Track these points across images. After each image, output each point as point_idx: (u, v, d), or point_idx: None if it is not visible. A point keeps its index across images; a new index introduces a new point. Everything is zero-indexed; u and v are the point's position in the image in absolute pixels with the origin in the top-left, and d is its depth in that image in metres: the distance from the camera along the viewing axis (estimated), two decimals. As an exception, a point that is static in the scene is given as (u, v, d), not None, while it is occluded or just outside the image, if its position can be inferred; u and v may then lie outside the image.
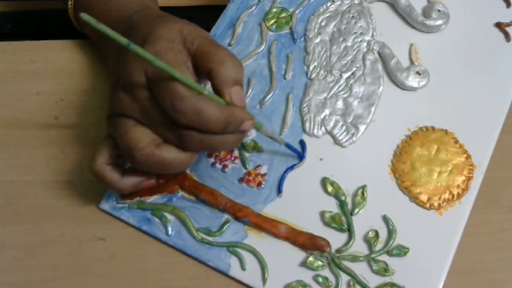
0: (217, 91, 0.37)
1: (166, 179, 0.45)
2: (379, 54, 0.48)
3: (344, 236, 0.43)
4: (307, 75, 0.48)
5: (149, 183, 0.42)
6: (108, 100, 0.39)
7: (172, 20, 0.39)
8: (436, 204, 0.43)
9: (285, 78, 0.48)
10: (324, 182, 0.44)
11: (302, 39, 0.49)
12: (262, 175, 0.45)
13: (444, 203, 0.43)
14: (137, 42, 0.35)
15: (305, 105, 0.47)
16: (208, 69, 0.37)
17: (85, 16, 0.31)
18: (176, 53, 0.37)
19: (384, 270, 0.41)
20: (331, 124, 0.46)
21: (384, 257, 0.42)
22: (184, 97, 0.35)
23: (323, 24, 0.50)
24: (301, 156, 0.45)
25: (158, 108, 0.36)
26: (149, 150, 0.37)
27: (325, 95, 0.47)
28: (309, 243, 0.42)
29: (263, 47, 0.49)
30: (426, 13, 0.49)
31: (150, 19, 0.40)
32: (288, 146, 0.44)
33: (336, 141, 0.46)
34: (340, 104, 0.47)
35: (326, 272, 0.42)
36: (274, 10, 0.51)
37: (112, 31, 0.32)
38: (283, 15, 0.50)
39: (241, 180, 0.45)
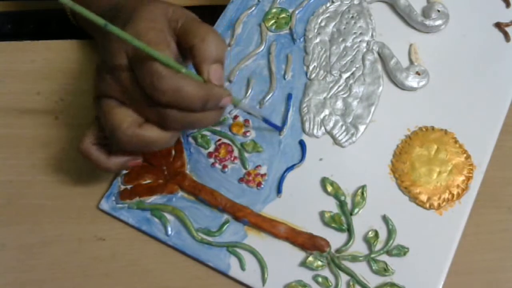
0: (197, 68, 0.38)
1: (165, 179, 0.45)
2: (379, 54, 0.48)
3: (343, 236, 0.43)
4: (306, 75, 0.48)
5: (136, 162, 0.42)
6: (94, 81, 0.40)
7: (156, 0, 0.39)
8: (436, 204, 0.43)
9: (284, 79, 0.48)
10: (323, 182, 0.44)
11: (301, 39, 0.50)
12: (262, 175, 0.45)
13: (444, 203, 0.43)
14: (121, 24, 0.36)
15: (304, 105, 0.47)
16: (190, 46, 0.37)
17: None
18: (157, 33, 0.37)
19: (384, 270, 0.41)
20: (331, 124, 0.46)
21: (384, 257, 0.42)
22: (162, 76, 0.35)
23: (322, 24, 0.50)
24: (278, 129, 0.45)
25: (140, 88, 0.37)
26: (132, 131, 0.38)
27: (324, 95, 0.47)
28: (309, 243, 0.42)
29: (262, 47, 0.49)
30: (426, 13, 0.49)
31: (135, 1, 0.40)
32: (265, 121, 0.45)
33: (336, 141, 0.46)
34: (339, 104, 0.47)
35: (325, 272, 0.42)
36: (274, 10, 0.51)
37: (88, 12, 0.33)
38: (282, 15, 0.50)
39: (240, 180, 0.45)
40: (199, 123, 0.38)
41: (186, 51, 0.38)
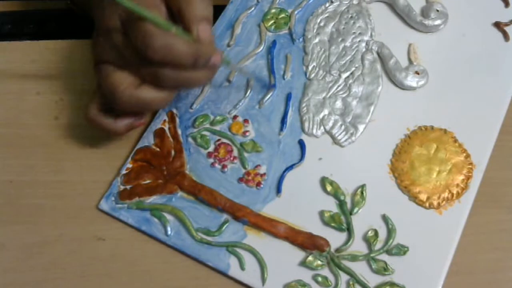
0: (186, 28, 0.39)
1: (165, 179, 0.45)
2: (378, 54, 0.49)
3: (343, 236, 0.43)
4: (306, 75, 0.48)
5: (141, 122, 0.44)
6: (91, 49, 0.42)
7: None
8: (435, 203, 0.43)
9: (284, 78, 0.48)
10: (323, 181, 0.44)
11: (301, 39, 0.50)
12: (261, 175, 0.45)
13: (444, 202, 0.43)
14: None
15: (304, 105, 0.47)
16: (177, 8, 0.39)
17: None
18: None
19: (384, 270, 0.41)
20: (330, 124, 0.46)
21: (384, 256, 0.42)
22: (153, 34, 0.37)
23: (322, 24, 0.50)
24: (272, 86, 0.47)
25: (134, 50, 0.39)
26: (129, 92, 0.40)
27: (324, 95, 0.47)
28: (309, 243, 0.42)
29: (262, 47, 0.49)
30: (425, 13, 0.49)
31: None
32: (257, 78, 0.47)
33: (335, 141, 0.46)
34: (339, 103, 0.47)
35: (325, 272, 0.42)
36: (273, 10, 0.51)
37: None
38: (282, 15, 0.51)
39: (240, 180, 0.45)
40: (192, 81, 0.40)
41: (176, 15, 0.40)
